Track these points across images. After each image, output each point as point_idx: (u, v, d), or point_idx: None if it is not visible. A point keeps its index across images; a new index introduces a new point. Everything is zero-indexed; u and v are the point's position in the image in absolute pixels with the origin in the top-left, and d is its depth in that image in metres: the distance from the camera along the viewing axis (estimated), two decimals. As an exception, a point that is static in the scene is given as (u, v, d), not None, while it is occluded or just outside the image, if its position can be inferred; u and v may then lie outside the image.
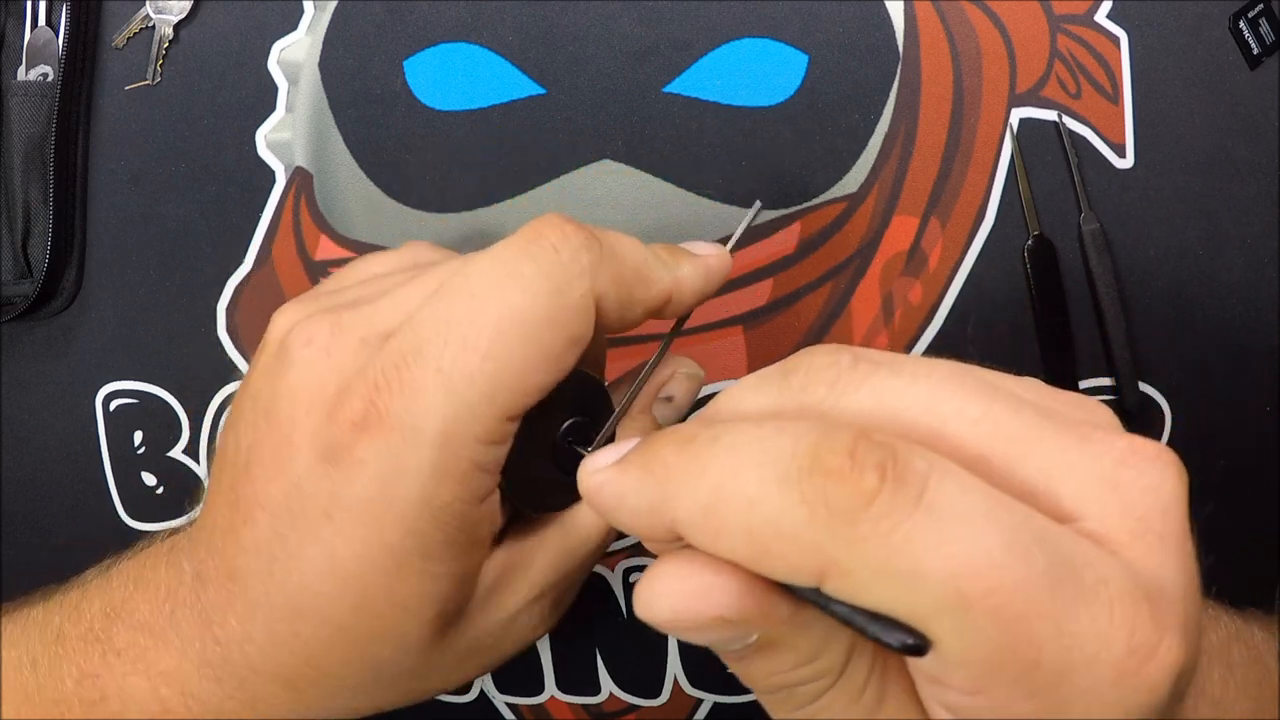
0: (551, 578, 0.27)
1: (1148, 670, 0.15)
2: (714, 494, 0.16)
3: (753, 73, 0.39)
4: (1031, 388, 0.19)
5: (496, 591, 0.26)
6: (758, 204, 0.28)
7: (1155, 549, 0.16)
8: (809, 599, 0.16)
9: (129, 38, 0.39)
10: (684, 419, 0.29)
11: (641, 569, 0.40)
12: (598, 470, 0.19)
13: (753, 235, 0.39)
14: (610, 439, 0.27)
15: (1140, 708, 0.16)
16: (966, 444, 0.17)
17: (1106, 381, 0.39)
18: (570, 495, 0.27)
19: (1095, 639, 0.15)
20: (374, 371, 0.22)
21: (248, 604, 0.24)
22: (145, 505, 0.40)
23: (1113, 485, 0.17)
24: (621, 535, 0.32)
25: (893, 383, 0.18)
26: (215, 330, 0.39)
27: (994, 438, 0.17)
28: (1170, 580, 0.16)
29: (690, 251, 0.27)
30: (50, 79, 0.38)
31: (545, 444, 0.26)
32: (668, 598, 0.17)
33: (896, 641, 0.16)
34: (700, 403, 0.39)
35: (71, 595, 0.28)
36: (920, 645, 0.15)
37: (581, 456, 0.25)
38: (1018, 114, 0.39)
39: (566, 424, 0.26)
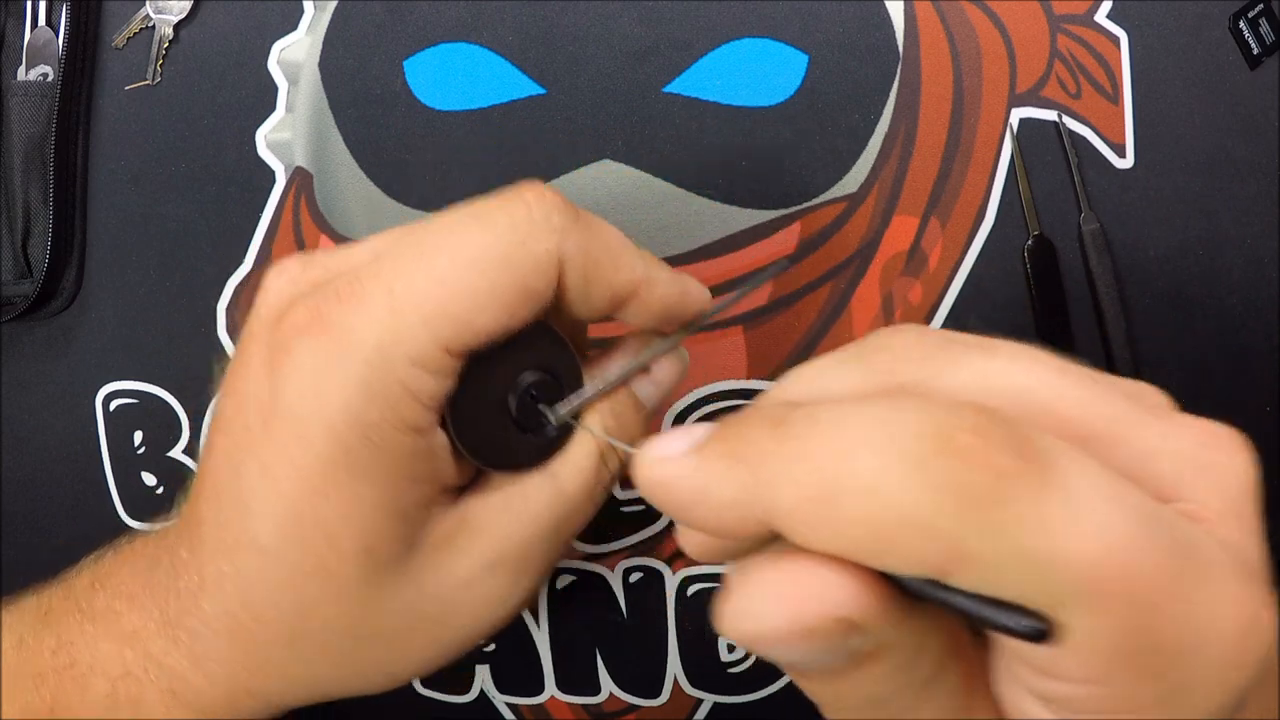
0: (509, 545, 0.25)
1: (1254, 645, 0.15)
2: (825, 481, 0.14)
3: (753, 73, 0.39)
4: (1097, 373, 0.19)
5: (445, 550, 0.25)
6: (784, 261, 0.27)
7: (1242, 528, 0.16)
8: (922, 593, 0.15)
9: (129, 38, 0.39)
10: (662, 402, 0.28)
11: (642, 569, 0.40)
12: (667, 459, 0.16)
13: (753, 235, 0.39)
14: (578, 407, 0.26)
15: (1246, 683, 0.15)
16: (1071, 425, 0.16)
17: (1106, 381, 0.39)
18: (528, 456, 0.26)
19: (1213, 618, 0.15)
20: (329, 287, 0.23)
21: (199, 540, 0.24)
22: (145, 505, 0.40)
23: (1202, 466, 0.16)
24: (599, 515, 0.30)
25: (991, 364, 0.17)
26: (215, 330, 0.39)
27: (1096, 419, 0.16)
28: (1256, 558, 0.16)
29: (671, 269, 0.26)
30: (50, 79, 0.38)
31: (500, 395, 0.25)
32: (781, 602, 0.15)
33: (1025, 628, 0.14)
34: (700, 403, 0.39)
35: (66, 576, 0.28)
36: (1045, 632, 0.14)
37: (543, 415, 0.25)
38: (1018, 114, 0.39)
39: (530, 380, 0.25)
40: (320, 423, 0.22)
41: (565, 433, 0.26)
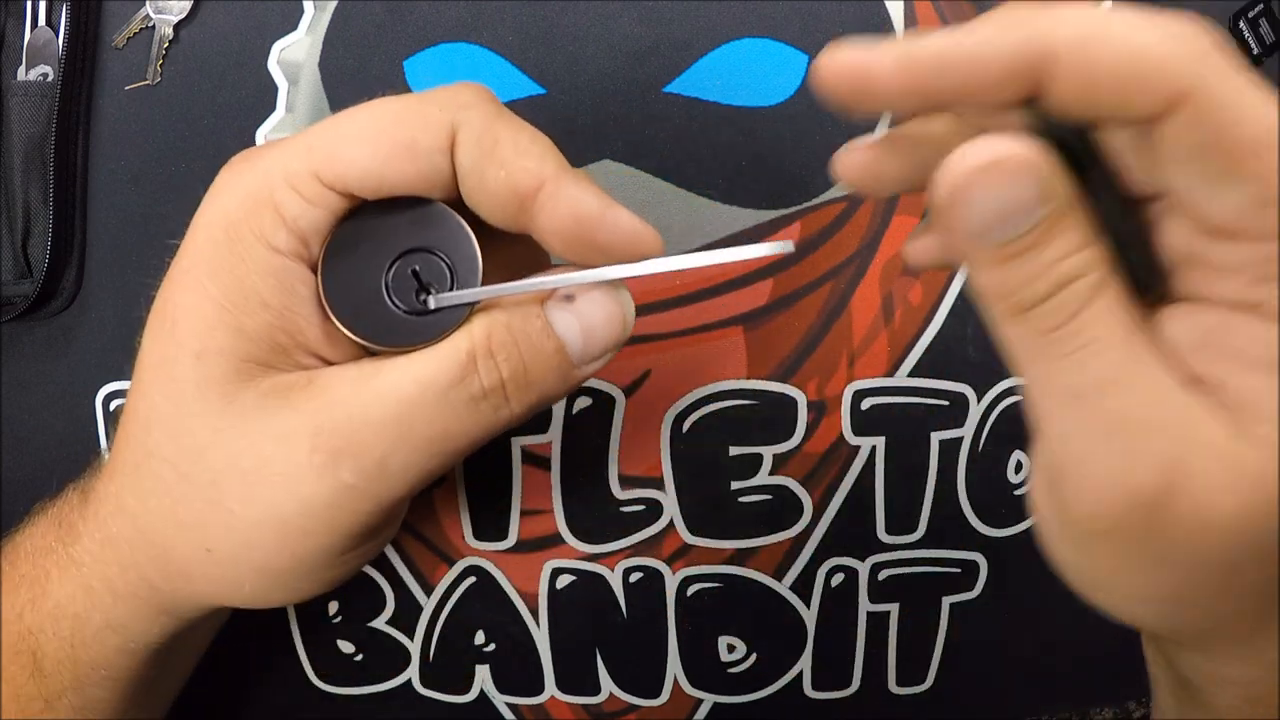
0: (338, 419, 0.24)
1: None
2: (1093, 25, 0.18)
3: (753, 73, 0.39)
4: None
5: (276, 398, 0.24)
6: (789, 245, 0.25)
7: None
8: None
9: (129, 38, 0.39)
10: (590, 351, 0.25)
11: (642, 569, 0.40)
12: (951, 31, 0.19)
13: (753, 235, 0.39)
14: (462, 300, 0.25)
15: None
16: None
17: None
18: (394, 335, 0.25)
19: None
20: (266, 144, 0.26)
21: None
22: (145, 505, 0.40)
23: None
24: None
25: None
26: (215, 330, 0.39)
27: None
28: None
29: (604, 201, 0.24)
30: (50, 79, 0.38)
31: (381, 265, 0.25)
32: (999, 145, 0.18)
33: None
34: (700, 403, 0.39)
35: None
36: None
37: (424, 298, 0.25)
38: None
39: (417, 259, 0.25)
40: (199, 223, 0.25)
41: (444, 327, 0.25)
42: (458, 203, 0.25)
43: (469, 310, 0.25)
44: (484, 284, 0.25)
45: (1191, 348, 0.19)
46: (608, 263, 0.24)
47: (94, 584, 0.27)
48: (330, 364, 0.25)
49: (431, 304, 0.25)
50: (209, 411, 0.24)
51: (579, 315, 0.25)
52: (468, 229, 0.25)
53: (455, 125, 0.24)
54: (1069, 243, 0.18)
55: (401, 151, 0.23)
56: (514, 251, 0.27)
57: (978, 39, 0.19)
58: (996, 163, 0.18)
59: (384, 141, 0.23)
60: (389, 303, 0.25)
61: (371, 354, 0.26)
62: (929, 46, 0.19)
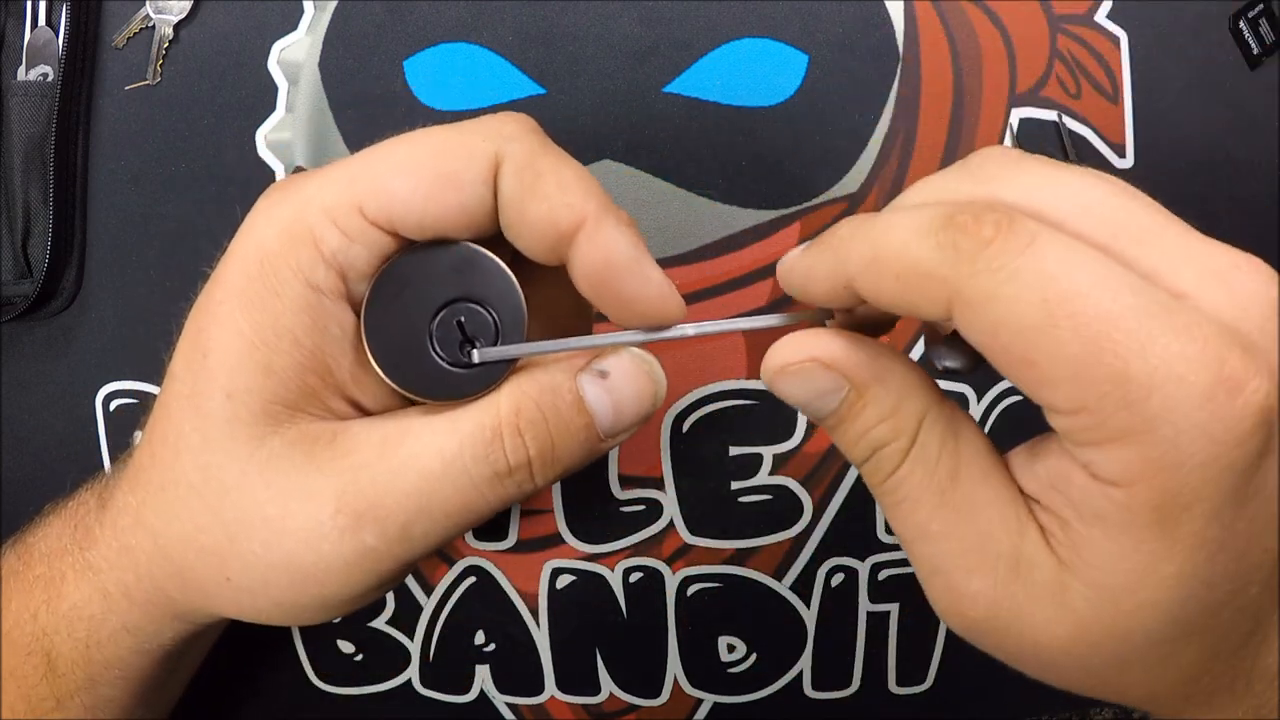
0: (356, 482, 0.23)
1: (1237, 402, 0.17)
2: (875, 250, 0.20)
3: (753, 73, 0.39)
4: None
5: (301, 448, 0.24)
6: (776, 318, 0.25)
7: (1256, 329, 0.18)
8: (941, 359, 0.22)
9: (129, 38, 0.39)
10: (617, 428, 0.25)
11: (642, 569, 0.40)
12: (788, 258, 0.23)
13: (753, 235, 0.39)
14: (504, 356, 0.24)
15: (1229, 436, 0.17)
16: (1099, 228, 0.20)
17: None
18: (441, 390, 0.24)
19: (1183, 362, 0.17)
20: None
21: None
22: (145, 505, 0.40)
23: (1224, 281, 0.19)
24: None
25: (1047, 173, 0.21)
26: (215, 330, 0.39)
27: (1126, 226, 0.20)
28: (1266, 347, 0.18)
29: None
30: (50, 79, 0.38)
31: (425, 314, 0.24)
32: (788, 348, 0.22)
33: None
34: (701, 403, 0.39)
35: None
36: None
37: (470, 349, 0.24)
38: (1018, 114, 0.39)
39: (463, 306, 0.24)
40: (234, 252, 0.24)
41: (487, 381, 0.24)
42: (498, 239, 0.24)
43: (510, 366, 0.24)
44: (528, 338, 0.25)
45: (1047, 484, 0.20)
46: (627, 315, 0.24)
47: (110, 589, 0.27)
48: (360, 407, 0.25)
49: (476, 358, 0.24)
50: (237, 453, 0.24)
51: (611, 390, 0.24)
52: (515, 281, 0.24)
53: (499, 156, 0.23)
54: (871, 417, 0.22)
55: (445, 183, 0.23)
56: (553, 295, 0.27)
57: (806, 266, 0.22)
58: (786, 366, 0.22)
59: (427, 173, 0.23)
60: (432, 353, 0.24)
61: (409, 402, 0.25)
62: (786, 267, 0.23)
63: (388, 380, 0.24)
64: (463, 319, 0.24)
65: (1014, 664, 0.22)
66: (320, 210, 0.23)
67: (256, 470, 0.24)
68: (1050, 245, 0.18)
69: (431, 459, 0.23)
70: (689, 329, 0.24)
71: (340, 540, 0.23)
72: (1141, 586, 0.19)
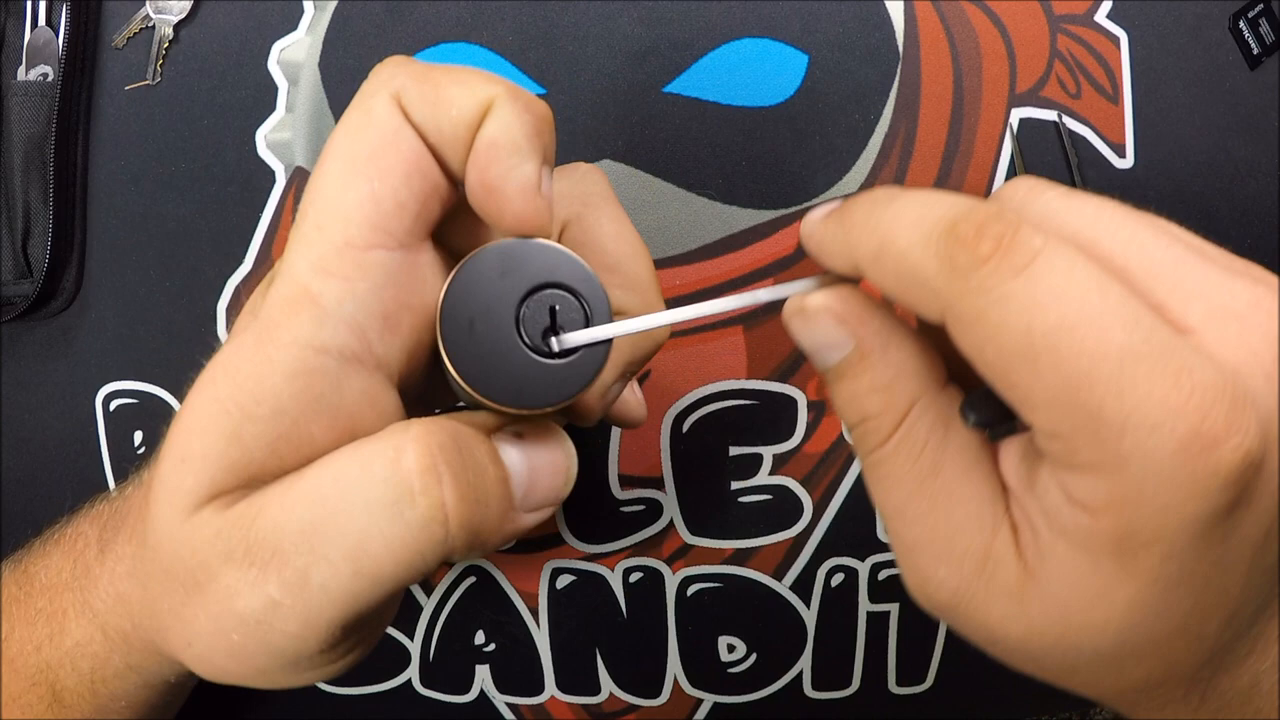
0: (268, 535, 0.21)
1: (1212, 456, 0.17)
2: (880, 246, 0.20)
3: (753, 73, 0.39)
4: (1208, 244, 0.21)
5: (238, 500, 0.21)
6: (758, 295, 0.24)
7: (1261, 378, 0.18)
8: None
9: (129, 38, 0.39)
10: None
11: (642, 569, 0.40)
12: (811, 219, 0.23)
13: (753, 235, 0.39)
14: (603, 338, 0.22)
15: (1197, 489, 0.17)
16: (1115, 254, 0.19)
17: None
18: (536, 391, 0.22)
19: (1162, 408, 0.17)
20: None
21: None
22: (145, 505, 0.40)
23: (1238, 318, 0.18)
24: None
25: (1070, 194, 0.21)
26: (215, 331, 0.39)
27: (1141, 256, 0.19)
28: (1268, 405, 0.18)
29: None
30: (50, 79, 0.38)
31: (508, 312, 0.22)
32: (821, 296, 0.22)
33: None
34: (701, 402, 0.39)
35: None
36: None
37: (556, 336, 0.22)
38: (1018, 114, 0.39)
39: (550, 295, 0.22)
40: (234, 331, 0.23)
41: (584, 379, 0.22)
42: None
43: (606, 354, 0.22)
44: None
45: (1028, 484, 0.21)
46: (494, 214, 0.22)
47: (110, 632, 0.27)
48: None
49: (561, 345, 0.22)
50: (175, 518, 0.22)
51: (526, 455, 0.23)
52: (587, 267, 0.22)
53: (397, 94, 0.22)
54: (865, 384, 0.22)
55: (379, 156, 0.22)
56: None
57: (820, 237, 0.23)
58: (800, 310, 0.22)
59: (359, 165, 0.22)
60: (523, 347, 0.22)
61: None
62: (807, 231, 0.23)
63: (482, 399, 0.22)
64: (556, 306, 0.22)
65: (972, 643, 0.22)
66: (309, 268, 0.21)
67: (189, 534, 0.22)
68: (1049, 268, 0.18)
69: (326, 485, 0.20)
70: (727, 303, 0.23)
71: (252, 595, 0.21)
72: (1094, 607, 0.19)
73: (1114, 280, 0.18)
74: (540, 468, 0.23)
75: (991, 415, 0.21)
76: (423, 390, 0.24)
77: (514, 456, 0.23)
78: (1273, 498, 0.18)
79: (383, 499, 0.20)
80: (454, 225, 0.24)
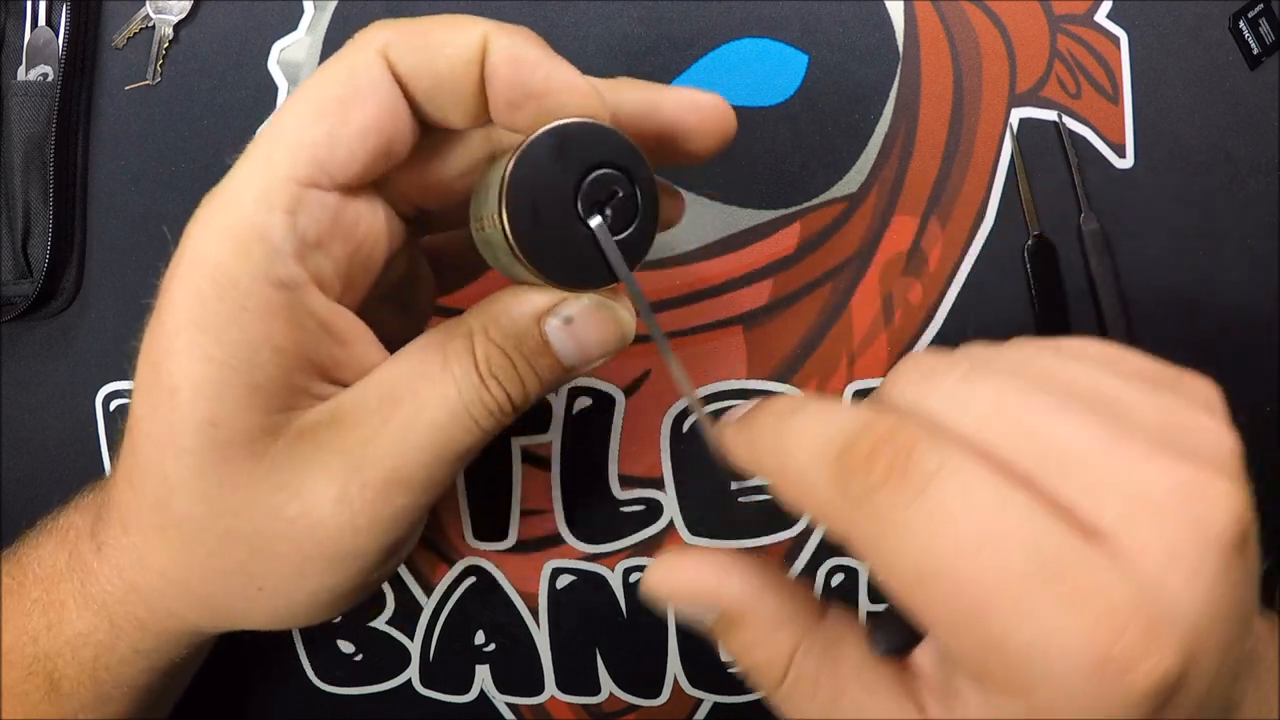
0: (376, 456, 0.24)
1: (1127, 680, 0.16)
2: (781, 462, 0.20)
3: (753, 73, 0.39)
4: (1134, 373, 0.20)
5: (307, 442, 0.24)
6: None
7: (1183, 579, 0.17)
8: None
9: (129, 38, 0.39)
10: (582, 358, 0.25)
11: (642, 569, 0.40)
12: (725, 423, 0.23)
13: (753, 235, 0.39)
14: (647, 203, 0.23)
15: (1119, 708, 0.16)
16: (1021, 453, 0.18)
17: (1106, 381, 0.39)
18: (589, 274, 0.23)
19: (1067, 635, 0.16)
20: None
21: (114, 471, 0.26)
22: (145, 505, 0.40)
23: (1155, 511, 0.17)
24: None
25: (966, 389, 0.20)
26: (215, 330, 0.39)
27: (1049, 450, 0.18)
28: (1189, 610, 0.17)
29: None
30: (50, 79, 0.38)
31: (566, 192, 0.23)
32: (671, 571, 0.23)
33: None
34: (704, 401, 0.39)
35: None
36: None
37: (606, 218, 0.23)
38: (1018, 114, 0.39)
39: (605, 175, 0.23)
40: (176, 274, 0.23)
41: (635, 254, 0.23)
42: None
43: (653, 233, 0.24)
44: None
45: (943, 687, 0.20)
46: (548, 109, 0.23)
47: (119, 620, 0.27)
48: (341, 382, 0.25)
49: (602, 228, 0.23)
50: (239, 473, 0.23)
51: (575, 335, 0.25)
52: (636, 147, 0.23)
53: (383, 48, 0.23)
54: (748, 638, 0.22)
55: (349, 103, 0.22)
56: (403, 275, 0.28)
57: (734, 440, 0.23)
58: (654, 591, 0.23)
59: (329, 107, 0.22)
60: (581, 227, 0.23)
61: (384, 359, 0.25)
62: (727, 434, 0.23)
63: (538, 276, 0.23)
64: (614, 187, 0.23)
65: None
66: (253, 201, 0.22)
67: (263, 478, 0.23)
68: (943, 491, 0.17)
69: (437, 410, 0.24)
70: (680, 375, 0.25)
71: (372, 510, 0.24)
72: None
73: (1016, 491, 0.17)
74: (590, 344, 0.25)
75: (900, 640, 0.21)
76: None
77: (562, 341, 0.25)
78: (1199, 698, 0.17)
79: (480, 412, 0.24)
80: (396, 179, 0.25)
